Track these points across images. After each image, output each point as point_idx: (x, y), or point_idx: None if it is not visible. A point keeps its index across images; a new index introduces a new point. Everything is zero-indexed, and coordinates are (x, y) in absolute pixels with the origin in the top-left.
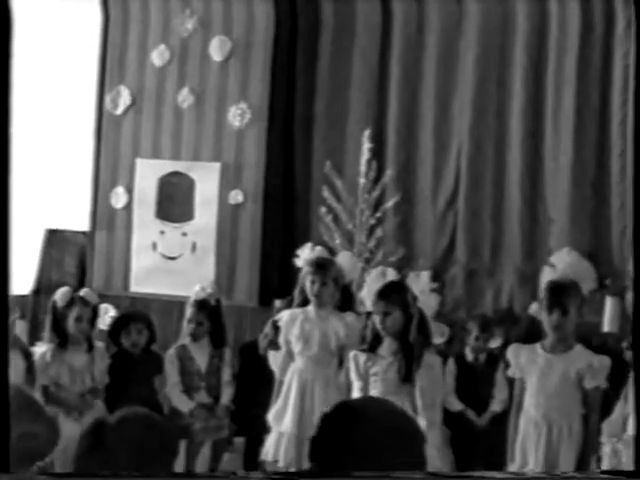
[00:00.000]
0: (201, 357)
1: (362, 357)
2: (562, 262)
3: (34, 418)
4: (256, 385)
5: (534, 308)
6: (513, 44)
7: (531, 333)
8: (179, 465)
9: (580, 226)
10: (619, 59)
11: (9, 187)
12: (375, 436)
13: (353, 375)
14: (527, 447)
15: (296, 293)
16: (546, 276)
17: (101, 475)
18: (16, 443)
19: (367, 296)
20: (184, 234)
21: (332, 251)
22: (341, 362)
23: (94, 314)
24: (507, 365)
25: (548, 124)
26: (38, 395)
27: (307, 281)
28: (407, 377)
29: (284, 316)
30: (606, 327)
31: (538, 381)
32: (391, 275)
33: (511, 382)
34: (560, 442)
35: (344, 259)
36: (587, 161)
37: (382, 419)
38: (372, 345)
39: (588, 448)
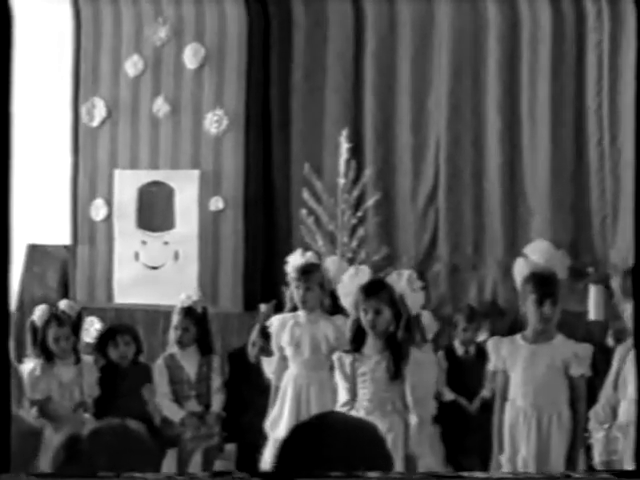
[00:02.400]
0: (190, 365)
1: (347, 358)
2: (536, 253)
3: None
4: (246, 391)
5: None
6: (486, 38)
7: (514, 325)
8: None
9: (560, 216)
10: (592, 49)
11: (9, 202)
12: (341, 449)
13: (338, 377)
14: (517, 437)
15: (287, 299)
16: (521, 268)
17: (96, 476)
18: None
19: (344, 295)
20: (166, 243)
21: (318, 254)
22: (333, 366)
23: (77, 327)
24: (489, 359)
25: (524, 116)
26: (28, 411)
27: (293, 287)
28: (396, 375)
29: (274, 322)
30: (591, 315)
31: (524, 372)
32: (366, 273)
33: (493, 375)
34: (550, 431)
35: (332, 263)
36: (565, 151)
37: (346, 431)
38: (355, 345)
39: (578, 436)
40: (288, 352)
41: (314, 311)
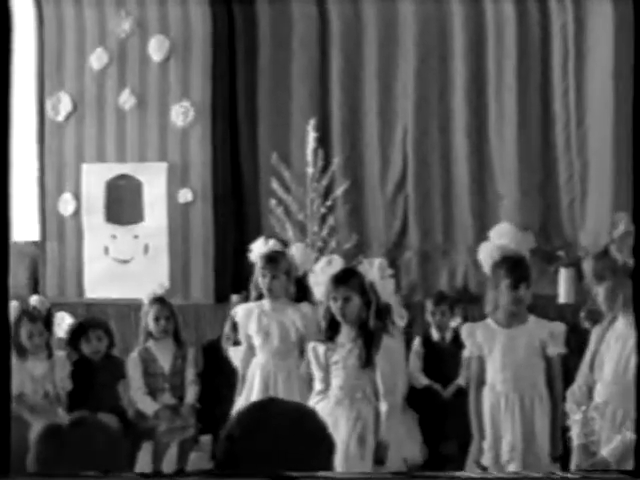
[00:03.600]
0: (164, 358)
1: (321, 347)
2: (501, 236)
3: None
4: (221, 383)
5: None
6: (451, 26)
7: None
8: (146, 466)
9: (529, 200)
10: (557, 31)
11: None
12: (280, 437)
13: (313, 367)
14: (500, 423)
15: (252, 287)
16: (490, 252)
17: (90, 475)
18: None
19: (316, 285)
20: (135, 236)
21: (286, 243)
22: (301, 353)
23: (48, 322)
24: (463, 345)
25: (491, 101)
26: None
27: (259, 275)
28: (367, 362)
29: (239, 311)
30: (561, 298)
31: (502, 357)
32: (338, 262)
33: (467, 361)
34: (534, 412)
35: (297, 251)
36: (532, 135)
37: (288, 420)
38: (329, 334)
39: (557, 415)
40: (256, 341)
41: (280, 299)
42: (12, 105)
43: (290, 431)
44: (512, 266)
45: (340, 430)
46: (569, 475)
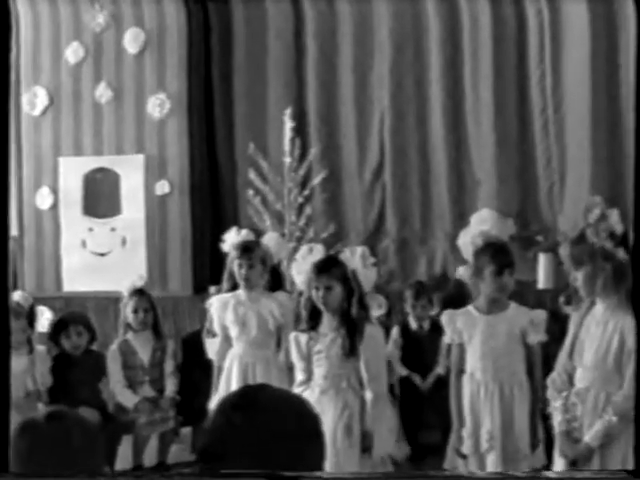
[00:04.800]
0: (144, 350)
1: (303, 337)
2: (483, 222)
3: None
4: (200, 375)
5: (461, 272)
6: (426, 11)
7: (459, 296)
8: (127, 459)
9: (507, 186)
10: (533, 17)
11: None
12: (270, 422)
13: (295, 357)
14: (478, 411)
15: (225, 278)
16: (472, 239)
17: (90, 475)
18: None
19: (298, 274)
20: (113, 229)
21: (260, 233)
22: (279, 342)
23: (31, 318)
24: (443, 332)
25: (468, 88)
26: None
27: (234, 265)
28: (351, 351)
29: (214, 302)
30: (540, 284)
31: (482, 344)
32: (319, 251)
33: (447, 348)
34: (513, 400)
35: (271, 240)
36: (509, 121)
37: (277, 408)
38: (311, 323)
39: (537, 403)
40: (233, 331)
41: (256, 289)
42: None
43: (281, 419)
44: (496, 252)
45: (326, 420)
46: (574, 475)
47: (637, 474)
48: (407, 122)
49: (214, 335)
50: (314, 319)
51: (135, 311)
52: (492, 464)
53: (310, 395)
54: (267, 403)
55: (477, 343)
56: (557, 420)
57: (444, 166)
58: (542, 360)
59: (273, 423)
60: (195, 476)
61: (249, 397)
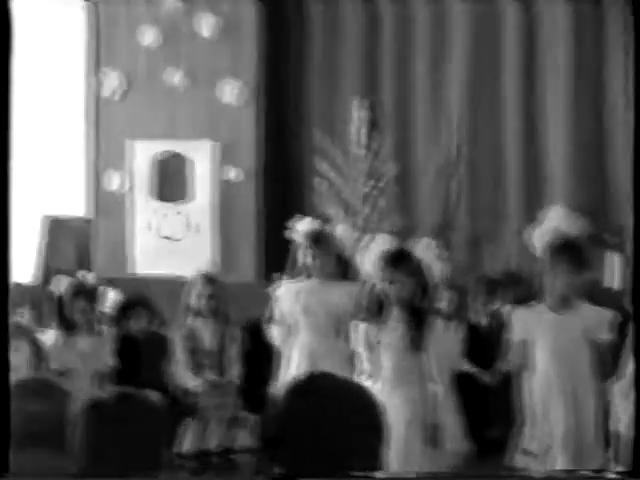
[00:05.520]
0: (208, 335)
1: (369, 327)
2: (556, 220)
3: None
4: (264, 362)
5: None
6: (504, 5)
7: (528, 293)
8: (189, 443)
9: (578, 183)
10: (612, 17)
11: (8, 178)
12: (332, 409)
13: (359, 346)
14: (546, 409)
15: (291, 266)
16: (545, 236)
17: (87, 475)
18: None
19: (367, 265)
20: (182, 214)
21: (329, 222)
22: (344, 332)
23: (97, 298)
24: (511, 329)
25: (543, 83)
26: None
27: (304, 254)
28: (418, 345)
29: (280, 289)
30: (606, 282)
31: (552, 342)
32: (389, 243)
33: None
34: (581, 399)
35: (340, 230)
36: (585, 118)
37: (340, 396)
38: (377, 314)
39: (604, 402)
40: (298, 319)
41: (324, 278)
42: (11, 103)
43: (343, 407)
44: (568, 250)
45: (394, 412)
46: (574, 474)
47: (637, 474)
48: (481, 117)
49: (278, 322)
50: (380, 310)
51: (202, 297)
52: (561, 463)
53: (376, 386)
54: (330, 391)
55: (546, 341)
56: (623, 424)
57: (517, 161)
58: (610, 359)
59: (335, 411)
60: (196, 476)
61: (312, 384)
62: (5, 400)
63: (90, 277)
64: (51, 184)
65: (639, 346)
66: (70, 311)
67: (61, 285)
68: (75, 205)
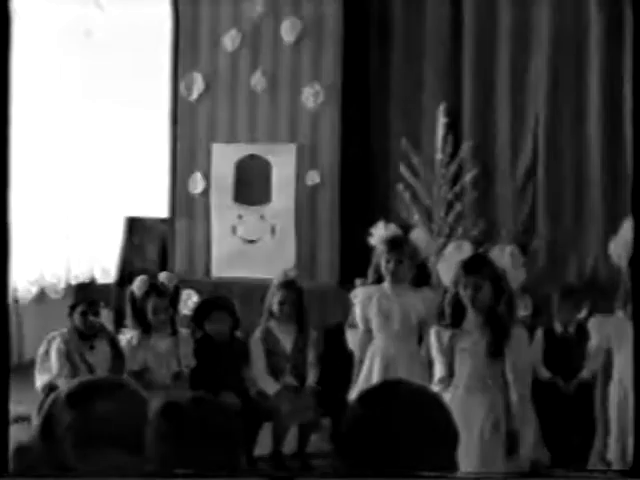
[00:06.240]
0: (286, 339)
1: (446, 333)
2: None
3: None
4: (342, 366)
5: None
6: (588, 9)
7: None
8: (266, 447)
9: None
10: None
11: (8, 180)
12: (407, 417)
13: (436, 352)
14: (625, 418)
15: (370, 271)
16: (624, 245)
17: (88, 474)
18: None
19: (445, 270)
20: (263, 217)
21: (408, 227)
22: (421, 337)
23: (175, 299)
24: (592, 338)
25: (627, 88)
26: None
27: (382, 259)
28: (497, 352)
29: (358, 294)
30: None
31: (633, 351)
32: (468, 248)
33: (595, 354)
34: None
35: (418, 235)
36: None
37: (414, 404)
38: (455, 320)
39: None
40: (375, 324)
41: (402, 283)
42: (10, 104)
43: (417, 414)
44: None
45: (473, 419)
46: (572, 474)
47: (637, 474)
48: (562, 122)
49: (356, 327)
50: (458, 316)
51: (282, 303)
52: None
53: (455, 393)
54: (404, 398)
55: (627, 350)
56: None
57: (599, 167)
58: None
59: (409, 418)
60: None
61: (387, 392)
62: (5, 400)
63: (167, 277)
64: (135, 186)
65: (639, 344)
66: (144, 311)
67: (134, 285)
68: (158, 207)
